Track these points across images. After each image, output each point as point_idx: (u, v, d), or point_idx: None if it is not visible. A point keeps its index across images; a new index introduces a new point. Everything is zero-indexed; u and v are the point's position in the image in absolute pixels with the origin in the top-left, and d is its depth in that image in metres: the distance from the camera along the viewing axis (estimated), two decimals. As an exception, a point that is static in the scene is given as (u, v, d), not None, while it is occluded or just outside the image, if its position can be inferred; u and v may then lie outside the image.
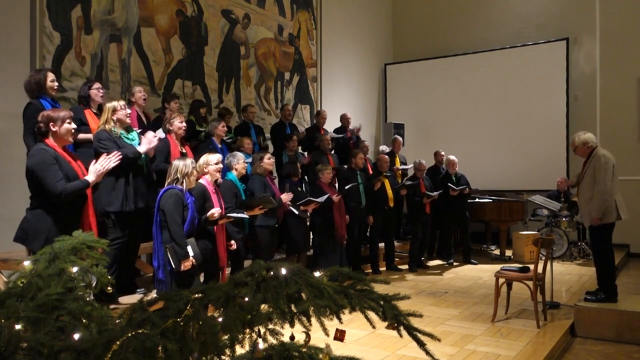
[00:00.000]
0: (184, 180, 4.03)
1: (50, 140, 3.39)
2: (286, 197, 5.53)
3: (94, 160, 3.53)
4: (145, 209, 4.40)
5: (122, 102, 4.33)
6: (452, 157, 8.27)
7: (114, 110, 4.22)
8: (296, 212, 5.71)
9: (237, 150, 5.66)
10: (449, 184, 7.95)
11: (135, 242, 4.52)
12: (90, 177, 3.43)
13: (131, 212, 4.24)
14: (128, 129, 4.35)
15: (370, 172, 7.63)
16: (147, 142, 4.24)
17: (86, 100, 4.67)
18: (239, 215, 4.60)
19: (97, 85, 4.74)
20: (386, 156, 7.63)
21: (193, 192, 4.27)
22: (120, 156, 3.71)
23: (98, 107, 4.66)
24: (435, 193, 7.66)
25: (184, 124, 4.99)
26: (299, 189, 6.21)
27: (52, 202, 3.31)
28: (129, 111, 4.38)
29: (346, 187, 6.37)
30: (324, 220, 6.25)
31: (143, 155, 4.32)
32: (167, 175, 4.13)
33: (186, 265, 3.90)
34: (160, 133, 4.86)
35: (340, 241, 6.34)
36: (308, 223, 6.29)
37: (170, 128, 4.88)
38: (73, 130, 3.52)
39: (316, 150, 7.32)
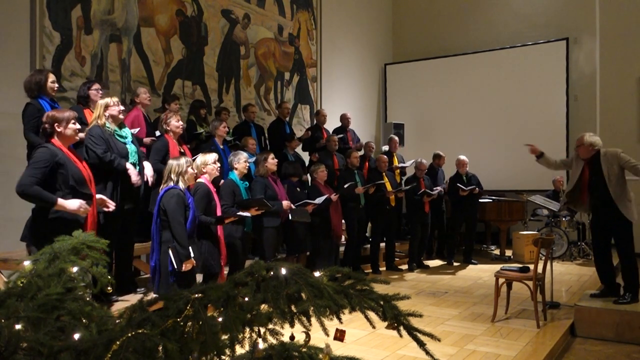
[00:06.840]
0: (180, 180, 3.96)
1: (56, 141, 3.37)
2: (287, 204, 5.49)
3: (102, 198, 3.63)
4: (136, 209, 4.38)
5: (115, 99, 4.27)
6: (462, 157, 8.18)
7: (107, 107, 4.17)
8: (293, 218, 5.63)
9: (241, 150, 5.65)
10: (458, 184, 7.91)
11: (128, 242, 4.50)
12: (65, 203, 3.26)
13: (119, 212, 4.17)
14: (121, 126, 4.32)
15: (366, 172, 7.62)
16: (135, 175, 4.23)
17: (85, 100, 4.67)
18: (244, 213, 4.60)
19: (96, 86, 4.73)
20: (385, 156, 7.61)
21: (198, 192, 4.26)
22: (113, 208, 3.77)
23: None
24: (435, 191, 7.66)
25: (181, 122, 4.98)
26: (298, 189, 6.20)
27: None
28: (122, 107, 4.32)
29: (345, 186, 6.36)
30: (322, 220, 6.25)
31: (135, 155, 4.29)
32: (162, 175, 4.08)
33: (188, 266, 3.89)
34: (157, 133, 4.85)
35: (337, 241, 6.33)
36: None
37: (168, 128, 4.88)
38: (78, 130, 3.50)
39: (322, 151, 7.30)
